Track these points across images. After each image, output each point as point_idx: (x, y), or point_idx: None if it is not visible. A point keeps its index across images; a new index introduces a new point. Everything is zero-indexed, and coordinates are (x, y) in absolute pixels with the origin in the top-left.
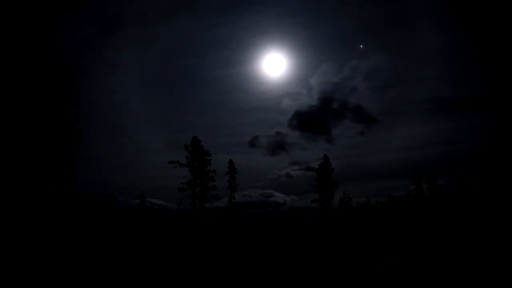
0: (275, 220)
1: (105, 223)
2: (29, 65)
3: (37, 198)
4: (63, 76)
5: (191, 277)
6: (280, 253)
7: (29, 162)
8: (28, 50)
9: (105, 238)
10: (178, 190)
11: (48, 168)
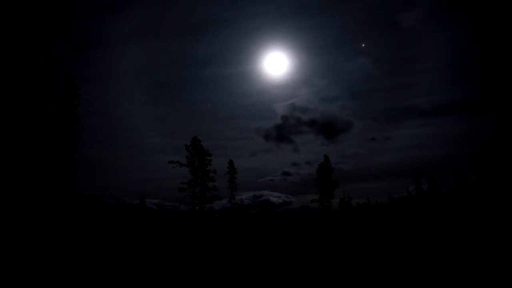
0: (275, 220)
1: (107, 223)
2: (29, 65)
3: (38, 198)
4: (63, 76)
5: (192, 276)
6: (280, 253)
7: (30, 162)
8: (28, 51)
9: (106, 238)
10: (178, 190)
11: (48, 168)
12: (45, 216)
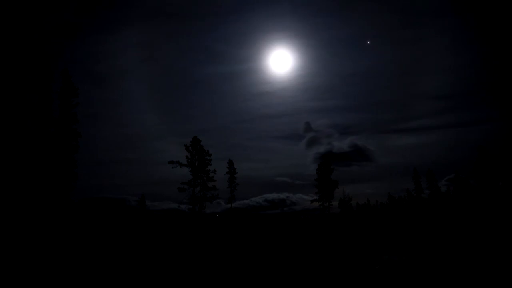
0: (276, 220)
1: (106, 223)
2: (27, 65)
3: (37, 199)
4: (61, 76)
5: (192, 276)
6: (280, 253)
7: (29, 162)
8: (28, 51)
9: (105, 239)
10: (178, 190)
11: (48, 169)
12: (44, 216)
